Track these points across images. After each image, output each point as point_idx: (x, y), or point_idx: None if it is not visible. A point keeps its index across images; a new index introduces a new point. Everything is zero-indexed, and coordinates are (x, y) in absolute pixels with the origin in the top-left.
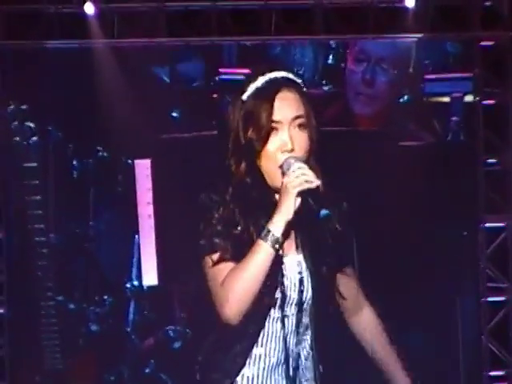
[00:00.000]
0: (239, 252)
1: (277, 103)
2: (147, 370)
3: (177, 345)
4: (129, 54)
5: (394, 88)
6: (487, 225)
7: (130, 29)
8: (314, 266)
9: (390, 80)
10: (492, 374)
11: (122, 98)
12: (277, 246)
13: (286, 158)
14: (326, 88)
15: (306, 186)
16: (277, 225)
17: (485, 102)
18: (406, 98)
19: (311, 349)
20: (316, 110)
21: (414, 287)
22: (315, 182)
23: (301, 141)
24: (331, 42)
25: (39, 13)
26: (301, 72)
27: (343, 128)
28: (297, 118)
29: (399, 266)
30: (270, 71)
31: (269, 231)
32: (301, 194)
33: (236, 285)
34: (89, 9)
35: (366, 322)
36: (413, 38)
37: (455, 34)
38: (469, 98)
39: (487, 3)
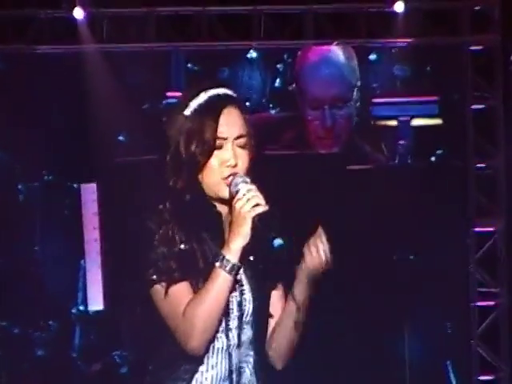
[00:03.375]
0: (185, 268)
1: (222, 120)
2: None
3: (123, 370)
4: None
5: (352, 117)
6: (477, 229)
7: (119, 33)
8: (254, 280)
9: (348, 114)
10: (482, 378)
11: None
12: (234, 272)
13: (233, 178)
14: (273, 111)
15: (258, 210)
16: (233, 251)
17: (475, 107)
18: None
19: (254, 361)
20: (270, 134)
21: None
22: (264, 206)
23: (243, 158)
24: (278, 65)
25: (29, 18)
26: (248, 95)
27: (298, 152)
28: (240, 136)
29: (362, 289)
30: (210, 88)
31: (226, 258)
32: (252, 218)
33: (199, 317)
34: (78, 14)
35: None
36: (403, 42)
37: (445, 38)
38: (416, 122)
39: (477, 8)
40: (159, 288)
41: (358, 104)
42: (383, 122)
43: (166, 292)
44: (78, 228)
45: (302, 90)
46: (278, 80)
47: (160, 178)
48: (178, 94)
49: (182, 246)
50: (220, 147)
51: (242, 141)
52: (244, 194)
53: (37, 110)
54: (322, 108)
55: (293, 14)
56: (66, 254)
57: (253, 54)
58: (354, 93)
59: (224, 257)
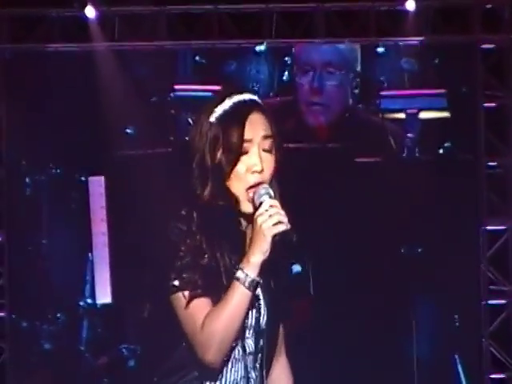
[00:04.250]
0: (209, 283)
1: (247, 125)
2: None
3: (131, 363)
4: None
5: (345, 90)
6: (488, 227)
7: (130, 32)
8: (269, 293)
9: (339, 83)
10: (493, 376)
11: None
12: (252, 287)
13: (257, 188)
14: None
15: (280, 228)
16: (252, 266)
17: (486, 105)
18: (360, 106)
19: (260, 369)
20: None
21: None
22: (287, 224)
23: (269, 163)
24: (286, 58)
25: (41, 16)
26: (256, 88)
27: (301, 145)
28: (266, 137)
29: (362, 280)
30: (235, 93)
31: (245, 273)
32: (272, 236)
33: (216, 331)
34: (90, 12)
35: (279, 371)
36: (414, 41)
37: (456, 36)
38: (424, 115)
39: (488, 6)
40: (181, 296)
41: (357, 91)
42: (391, 115)
43: (188, 303)
44: (86, 221)
45: (298, 60)
46: (285, 73)
47: (179, 177)
48: (186, 86)
49: (208, 259)
50: (246, 152)
51: (267, 142)
52: (266, 210)
53: (45, 105)
54: (312, 71)
55: (304, 12)
56: (73, 247)
57: (261, 47)
58: (351, 74)
59: (243, 271)
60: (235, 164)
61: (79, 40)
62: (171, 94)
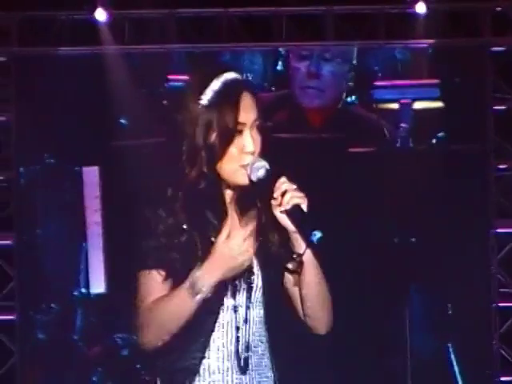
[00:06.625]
0: (182, 263)
1: (241, 108)
2: (94, 378)
3: (124, 352)
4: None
5: (340, 79)
6: (498, 230)
7: (140, 35)
8: (263, 256)
9: (335, 70)
10: (503, 379)
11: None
12: (199, 296)
13: (253, 160)
14: (273, 90)
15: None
16: (207, 280)
17: (495, 108)
18: (353, 97)
19: (267, 342)
20: (265, 115)
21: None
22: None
23: (259, 143)
24: (280, 48)
25: (51, 19)
26: (250, 79)
27: (294, 135)
28: (256, 120)
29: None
30: (221, 72)
31: (198, 286)
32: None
33: (156, 321)
34: (100, 15)
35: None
36: (424, 44)
37: (466, 39)
38: (417, 105)
39: (498, 9)
40: (144, 274)
41: (352, 84)
42: (385, 105)
43: (145, 279)
44: (80, 211)
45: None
46: (279, 63)
47: (168, 162)
48: (180, 76)
49: (185, 238)
50: (239, 133)
51: (257, 124)
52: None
53: (44, 99)
54: (309, 57)
55: (313, 15)
56: (67, 236)
57: None
58: (347, 65)
59: (195, 282)
60: (229, 145)
61: (89, 43)
62: (165, 84)
